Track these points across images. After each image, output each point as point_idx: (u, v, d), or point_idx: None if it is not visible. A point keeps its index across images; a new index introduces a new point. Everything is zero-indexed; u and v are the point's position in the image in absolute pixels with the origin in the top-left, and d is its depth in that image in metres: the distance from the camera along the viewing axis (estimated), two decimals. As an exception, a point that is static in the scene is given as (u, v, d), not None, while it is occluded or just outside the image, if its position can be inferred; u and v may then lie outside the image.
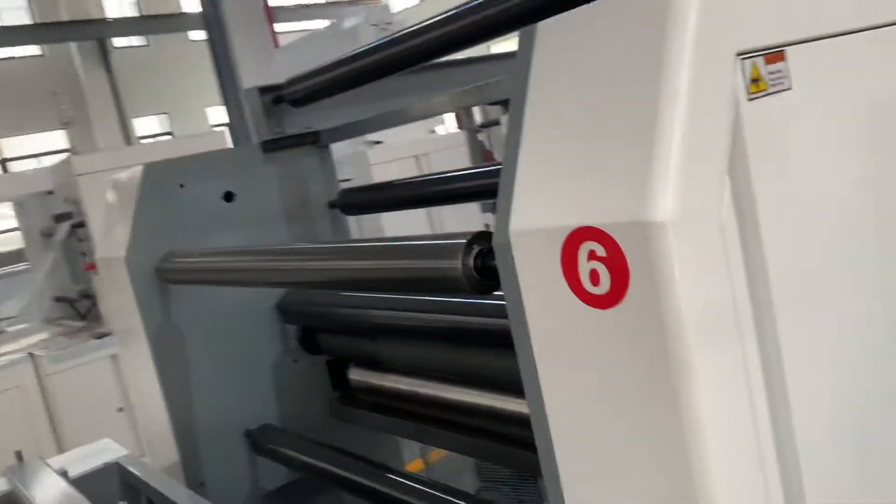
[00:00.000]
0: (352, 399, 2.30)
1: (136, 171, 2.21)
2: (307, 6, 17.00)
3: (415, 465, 3.72)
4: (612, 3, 0.88)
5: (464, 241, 1.08)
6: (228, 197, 2.24)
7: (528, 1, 1.24)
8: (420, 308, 1.91)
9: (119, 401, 4.16)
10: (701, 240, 0.81)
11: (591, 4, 0.90)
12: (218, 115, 16.40)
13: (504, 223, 0.94)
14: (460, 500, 1.67)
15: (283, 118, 2.33)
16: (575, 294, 0.88)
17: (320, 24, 12.83)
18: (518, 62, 0.98)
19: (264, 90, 2.30)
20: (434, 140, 5.38)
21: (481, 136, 6.11)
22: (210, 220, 2.21)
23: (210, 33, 9.87)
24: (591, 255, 0.85)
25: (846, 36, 0.95)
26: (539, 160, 0.93)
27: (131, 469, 1.98)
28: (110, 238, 2.27)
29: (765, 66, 0.89)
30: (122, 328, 2.28)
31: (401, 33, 1.75)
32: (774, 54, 0.90)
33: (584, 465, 0.95)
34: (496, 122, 6.64)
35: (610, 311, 0.85)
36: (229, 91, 9.69)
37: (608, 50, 0.88)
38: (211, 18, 9.79)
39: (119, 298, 2.20)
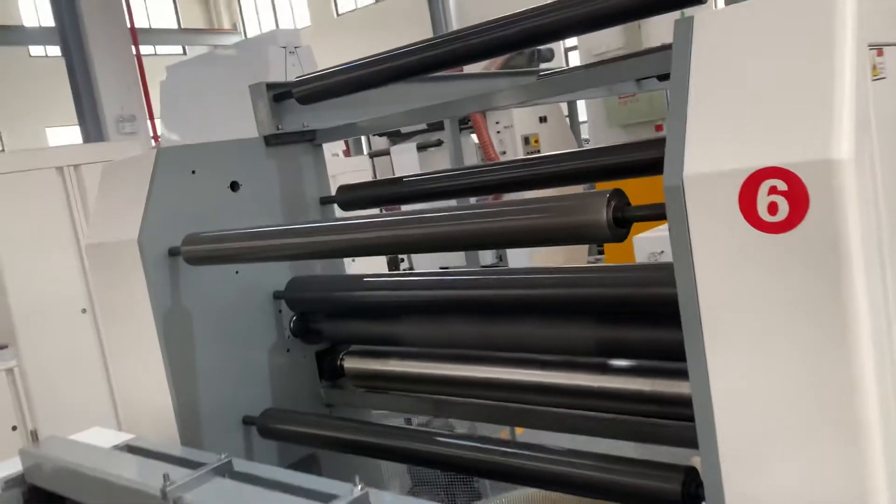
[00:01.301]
0: (347, 386, 2.40)
1: (144, 156, 2.22)
2: (170, 31, 16.51)
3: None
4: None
5: (606, 194, 1.30)
6: (234, 186, 2.30)
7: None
8: (439, 285, 2.07)
9: (14, 418, 3.89)
10: (864, 178, 1.07)
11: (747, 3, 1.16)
12: (60, 136, 15.45)
13: (675, 169, 1.16)
14: (483, 444, 1.82)
15: (282, 115, 2.42)
16: (750, 223, 1.11)
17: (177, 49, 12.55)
18: (677, 46, 1.21)
19: (270, 86, 2.39)
20: (341, 162, 5.52)
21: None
22: (217, 207, 2.25)
23: (67, 51, 9.38)
24: (772, 191, 1.08)
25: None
26: (707, 120, 1.16)
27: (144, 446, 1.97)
28: (107, 223, 2.25)
29: (876, 57, 1.18)
30: (118, 312, 2.25)
31: (418, 45, 1.99)
32: (879, 49, 1.19)
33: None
34: (386, 153, 6.97)
35: (785, 235, 1.09)
36: (88, 112, 9.23)
37: (775, 34, 1.13)
38: (69, 36, 9.32)
39: (120, 282, 2.18)
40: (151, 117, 10.47)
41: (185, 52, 19.16)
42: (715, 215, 1.14)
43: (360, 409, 2.49)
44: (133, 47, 9.93)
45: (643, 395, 1.69)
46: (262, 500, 1.38)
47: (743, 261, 1.13)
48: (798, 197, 1.07)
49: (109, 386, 4.40)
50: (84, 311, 4.47)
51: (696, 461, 1.41)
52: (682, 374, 1.58)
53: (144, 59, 10.66)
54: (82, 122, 9.46)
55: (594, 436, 1.76)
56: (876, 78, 1.16)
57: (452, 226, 1.53)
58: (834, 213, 1.05)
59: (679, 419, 1.63)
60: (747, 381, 1.18)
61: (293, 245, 1.87)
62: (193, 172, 2.21)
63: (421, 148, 6.58)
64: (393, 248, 1.76)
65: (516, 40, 1.79)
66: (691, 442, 1.46)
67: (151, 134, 10.33)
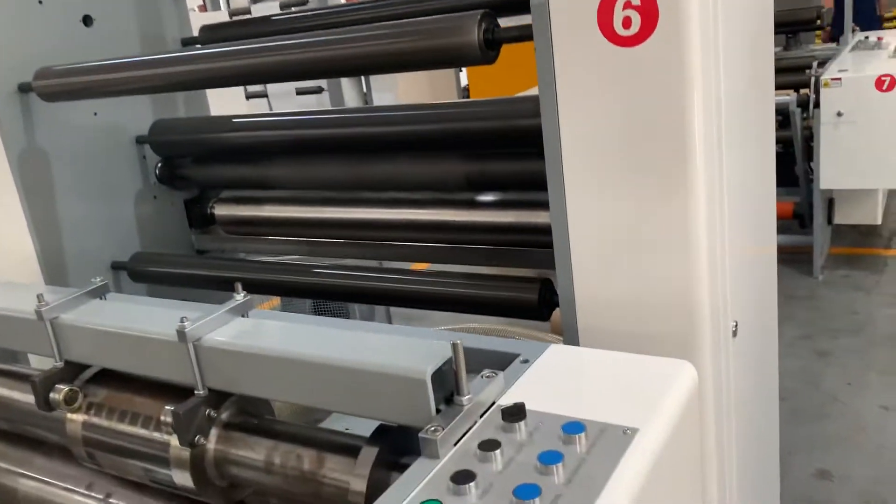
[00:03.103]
0: (219, 233, 2.40)
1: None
2: None
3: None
4: None
5: (478, 14, 1.34)
6: (87, 21, 2.17)
7: None
8: (309, 124, 2.08)
9: None
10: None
11: None
12: None
13: (540, -10, 1.22)
14: (355, 271, 1.92)
15: (137, -53, 2.27)
16: (606, 37, 1.19)
17: None
18: None
19: (122, -88, 2.22)
20: (197, 17, 5.23)
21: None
22: (69, 44, 2.13)
23: None
24: (627, 6, 1.17)
25: None
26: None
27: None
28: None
29: None
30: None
31: None
32: None
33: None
34: (247, 11, 6.60)
35: (637, 48, 1.18)
36: None
37: None
38: None
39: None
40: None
41: None
42: (575, 31, 1.22)
43: (233, 255, 2.51)
44: None
45: (507, 226, 1.81)
46: (147, 311, 1.41)
47: (599, 78, 1.22)
48: (649, 12, 1.16)
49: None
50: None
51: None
52: (542, 205, 1.72)
53: None
54: None
55: (463, 264, 1.88)
56: None
57: (320, 52, 1.53)
58: (679, 31, 1.15)
59: (539, 246, 1.77)
60: (598, 203, 1.30)
61: (153, 77, 1.81)
62: (40, 2, 2.06)
63: (284, 6, 6.28)
64: (260, 77, 1.73)
65: None
66: (549, 264, 1.60)
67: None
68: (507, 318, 1.73)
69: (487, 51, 1.36)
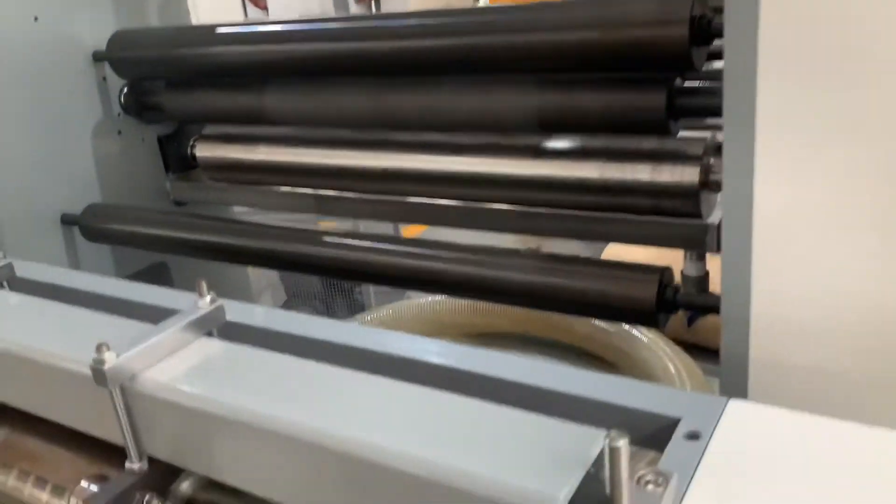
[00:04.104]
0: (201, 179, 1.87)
1: None
2: None
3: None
4: None
5: None
6: None
7: None
8: (317, 37, 1.53)
9: None
10: None
11: None
12: None
13: None
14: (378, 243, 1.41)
15: None
16: None
17: None
18: None
19: None
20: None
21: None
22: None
23: None
24: None
25: None
26: None
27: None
28: None
29: None
30: None
31: None
32: None
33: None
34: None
35: None
36: None
37: None
38: None
39: None
40: None
41: None
42: None
43: (219, 207, 1.98)
44: None
45: (598, 184, 1.27)
46: (68, 314, 0.90)
47: None
48: None
49: None
50: None
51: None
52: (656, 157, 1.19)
53: None
54: None
55: (537, 235, 1.35)
56: None
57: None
58: None
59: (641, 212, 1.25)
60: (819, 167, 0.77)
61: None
62: None
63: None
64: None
65: None
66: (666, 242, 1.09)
67: None
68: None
69: None
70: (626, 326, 1.82)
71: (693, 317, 1.16)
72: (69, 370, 0.76)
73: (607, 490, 0.53)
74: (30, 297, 0.96)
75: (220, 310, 0.80)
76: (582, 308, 1.15)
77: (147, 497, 0.74)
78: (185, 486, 0.82)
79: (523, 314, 2.02)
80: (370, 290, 3.05)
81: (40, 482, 0.86)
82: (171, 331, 0.75)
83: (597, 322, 1.89)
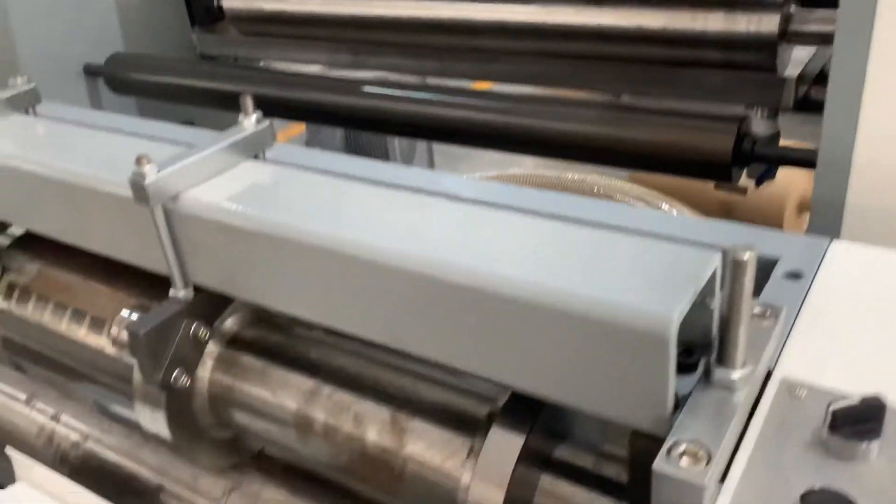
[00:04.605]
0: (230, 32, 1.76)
1: None
2: None
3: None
4: None
5: None
6: None
7: None
8: None
9: None
10: None
11: None
12: None
13: None
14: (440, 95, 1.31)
15: None
16: None
17: None
18: None
19: None
20: None
21: None
22: None
23: None
24: None
25: None
26: None
27: None
28: None
29: None
30: None
31: None
32: None
33: None
34: None
35: None
36: None
37: None
38: None
39: None
40: None
41: None
42: None
43: (249, 62, 1.88)
44: None
45: (660, 34, 1.16)
46: (99, 139, 0.83)
47: None
48: None
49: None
50: None
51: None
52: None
53: None
54: None
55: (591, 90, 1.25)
56: None
57: None
58: None
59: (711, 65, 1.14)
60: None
61: None
62: None
63: None
64: None
65: None
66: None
67: None
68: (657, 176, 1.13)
69: None
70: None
71: (763, 176, 1.08)
72: (107, 191, 0.70)
73: (721, 312, 0.47)
74: (58, 123, 0.88)
75: (268, 130, 0.72)
76: (652, 162, 1.06)
77: (194, 326, 0.69)
78: (229, 323, 0.77)
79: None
80: (395, 149, 2.91)
81: (78, 315, 0.82)
82: (214, 149, 0.68)
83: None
